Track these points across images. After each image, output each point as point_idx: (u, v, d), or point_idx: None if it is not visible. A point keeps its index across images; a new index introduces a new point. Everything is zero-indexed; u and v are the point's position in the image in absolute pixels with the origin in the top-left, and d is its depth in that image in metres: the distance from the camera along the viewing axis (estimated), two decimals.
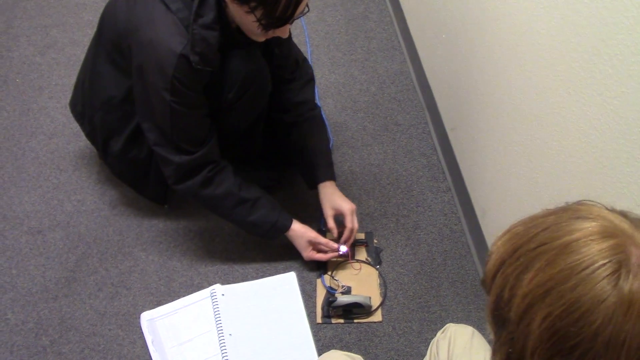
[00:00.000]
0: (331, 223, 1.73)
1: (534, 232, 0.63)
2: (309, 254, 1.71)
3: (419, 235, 1.87)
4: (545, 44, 1.28)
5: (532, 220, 0.64)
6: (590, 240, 0.59)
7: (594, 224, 0.61)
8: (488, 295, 0.67)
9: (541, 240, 0.61)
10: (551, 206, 1.31)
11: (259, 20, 1.34)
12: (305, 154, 1.77)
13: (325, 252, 1.73)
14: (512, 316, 0.61)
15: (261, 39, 1.46)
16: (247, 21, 1.37)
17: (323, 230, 1.83)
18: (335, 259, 1.76)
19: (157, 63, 1.40)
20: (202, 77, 1.45)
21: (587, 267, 0.58)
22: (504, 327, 0.63)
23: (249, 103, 1.59)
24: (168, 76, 1.39)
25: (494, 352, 0.66)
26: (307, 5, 1.37)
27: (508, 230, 0.66)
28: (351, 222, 1.71)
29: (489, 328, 0.68)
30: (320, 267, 1.77)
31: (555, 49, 1.24)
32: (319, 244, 1.71)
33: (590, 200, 0.65)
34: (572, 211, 0.63)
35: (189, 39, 1.37)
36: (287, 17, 1.35)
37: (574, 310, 0.56)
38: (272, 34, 1.42)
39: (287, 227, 1.68)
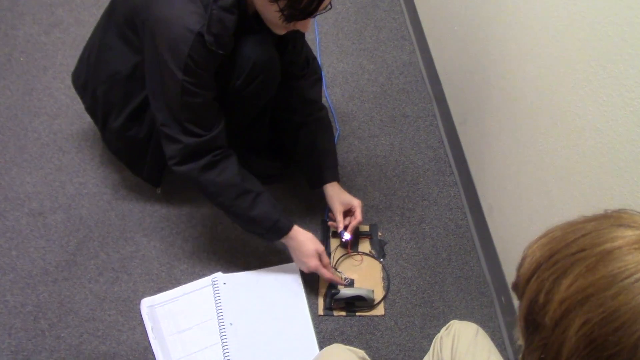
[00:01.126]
0: (340, 217, 1.72)
1: (573, 237, 0.61)
2: (317, 262, 1.61)
3: (424, 229, 1.85)
4: (562, 40, 1.26)
5: (571, 226, 0.63)
6: (634, 248, 0.57)
7: (637, 232, 0.59)
8: (520, 299, 0.65)
9: (581, 245, 0.60)
10: (563, 207, 1.29)
11: (281, 10, 1.32)
12: (312, 154, 1.75)
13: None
14: (547, 321, 0.59)
15: (282, 31, 1.43)
16: (270, 10, 1.34)
17: (326, 220, 1.81)
18: (339, 250, 1.75)
19: (172, 40, 1.38)
20: (214, 60, 1.43)
21: (630, 276, 0.56)
22: (536, 332, 0.61)
23: (257, 91, 1.57)
24: (183, 54, 1.37)
25: (524, 358, 0.64)
26: (330, 2, 1.35)
27: (545, 235, 0.65)
28: (360, 215, 1.72)
29: (518, 332, 0.66)
30: None
31: (573, 46, 1.21)
32: (323, 255, 1.63)
33: (632, 210, 0.63)
34: (614, 219, 0.61)
35: (206, 19, 1.35)
36: (311, 10, 1.32)
37: (614, 319, 0.54)
38: (292, 26, 1.39)
39: (289, 228, 1.60)
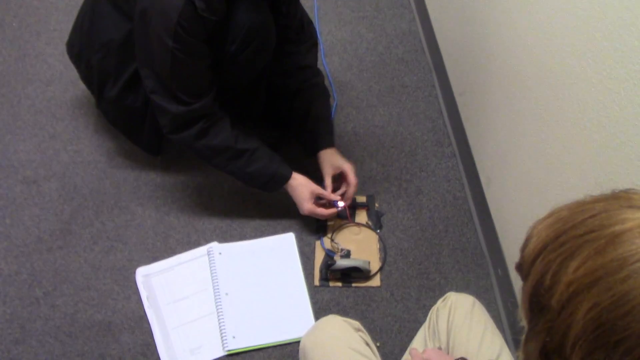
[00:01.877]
0: (328, 180, 1.71)
1: (581, 218, 0.59)
2: (310, 206, 1.65)
3: (421, 200, 1.84)
4: (566, 10, 1.23)
5: (579, 206, 0.60)
6: None
7: None
8: (524, 280, 0.63)
9: (589, 227, 0.57)
10: (562, 180, 1.28)
11: None
12: (307, 121, 1.73)
13: (325, 207, 1.69)
14: (553, 304, 0.57)
15: None
16: None
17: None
18: (335, 221, 1.74)
19: (162, 7, 1.35)
20: (206, 26, 1.40)
21: None
22: (541, 314, 0.60)
23: (252, 57, 1.54)
24: (172, 22, 1.35)
25: (527, 340, 0.62)
26: None
27: (550, 214, 0.62)
28: (353, 178, 1.69)
29: (521, 313, 0.64)
30: (320, 230, 1.74)
31: (577, 16, 1.19)
32: (321, 195, 1.68)
33: None
34: (624, 199, 0.59)
35: None
36: None
37: (623, 303, 0.53)
38: None
39: (287, 177, 1.64)
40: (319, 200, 1.69)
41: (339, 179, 1.73)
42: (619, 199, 0.59)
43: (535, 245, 0.61)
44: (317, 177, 1.77)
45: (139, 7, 1.42)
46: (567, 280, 0.56)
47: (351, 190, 1.70)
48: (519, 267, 0.65)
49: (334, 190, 1.72)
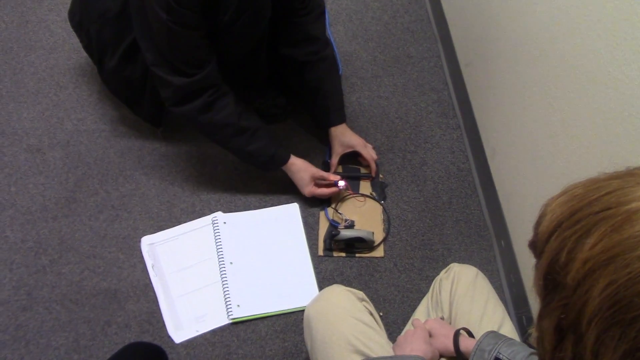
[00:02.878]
0: (335, 160, 1.75)
1: (596, 195, 0.58)
2: (310, 189, 1.69)
3: (426, 172, 1.84)
4: None
5: (593, 183, 0.60)
6: None
7: None
8: (538, 258, 0.63)
9: (605, 204, 0.57)
10: (568, 153, 1.27)
11: None
12: (318, 96, 1.73)
13: (326, 187, 1.71)
14: (568, 281, 0.57)
15: None
16: None
17: (327, 162, 1.80)
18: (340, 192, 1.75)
19: None
20: None
21: None
22: (556, 291, 0.59)
23: (246, 27, 1.53)
24: None
25: (541, 317, 0.62)
26: None
27: (564, 192, 0.62)
28: (368, 153, 1.75)
29: (535, 291, 0.64)
30: (324, 200, 1.75)
31: None
32: (321, 177, 1.69)
33: None
34: (639, 176, 0.58)
35: None
36: None
37: None
38: None
39: (285, 160, 1.66)
40: (320, 180, 1.71)
41: (353, 153, 1.77)
42: (635, 175, 0.58)
43: (550, 222, 0.61)
44: (323, 147, 1.77)
45: None
46: (583, 258, 0.56)
47: (372, 165, 1.76)
48: (533, 245, 0.64)
49: (354, 164, 1.76)
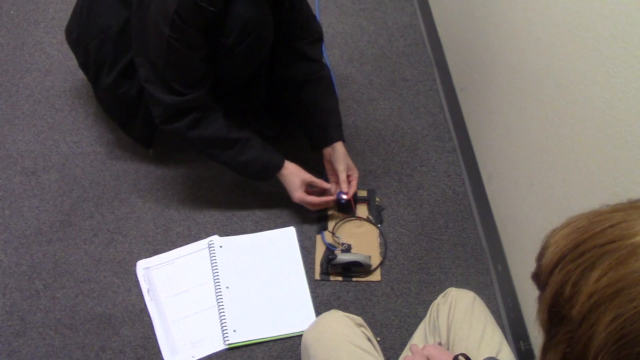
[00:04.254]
0: (344, 176, 1.70)
1: (600, 227, 0.58)
2: (300, 194, 1.65)
3: (422, 195, 1.84)
4: (571, 6, 1.22)
5: (597, 215, 0.60)
6: None
7: None
8: (542, 290, 0.63)
9: (609, 237, 0.57)
10: (565, 178, 1.28)
11: None
12: (316, 114, 1.72)
13: (318, 196, 1.70)
14: (574, 314, 0.57)
15: None
16: None
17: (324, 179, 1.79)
18: (336, 215, 1.74)
19: None
20: (204, 17, 1.39)
21: None
22: (561, 325, 0.59)
23: (249, 51, 1.53)
24: (170, 10, 1.34)
25: (545, 350, 0.62)
26: None
27: (567, 224, 0.62)
28: (355, 186, 1.71)
29: (538, 323, 0.64)
30: (321, 222, 1.74)
31: (582, 12, 1.18)
32: (312, 183, 1.68)
33: None
34: None
35: None
36: None
37: None
38: None
39: (279, 166, 1.64)
40: (311, 188, 1.69)
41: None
42: (638, 208, 0.59)
43: (554, 254, 0.61)
44: (319, 171, 1.77)
45: None
46: (588, 291, 0.56)
47: (352, 192, 1.71)
48: (536, 277, 0.64)
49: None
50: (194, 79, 1.49)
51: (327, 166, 1.74)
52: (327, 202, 1.71)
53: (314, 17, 1.75)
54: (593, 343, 0.55)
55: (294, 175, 1.66)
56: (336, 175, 1.71)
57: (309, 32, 1.71)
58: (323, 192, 1.72)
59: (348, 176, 1.71)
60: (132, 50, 1.53)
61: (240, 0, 1.45)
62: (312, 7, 2.21)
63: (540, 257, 0.64)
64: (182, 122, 1.52)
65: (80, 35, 1.69)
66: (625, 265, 0.54)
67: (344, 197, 1.69)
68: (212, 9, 1.37)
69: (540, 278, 0.63)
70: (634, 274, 0.54)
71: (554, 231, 0.63)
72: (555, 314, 0.60)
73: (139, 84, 1.60)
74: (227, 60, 1.54)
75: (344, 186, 1.69)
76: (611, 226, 0.58)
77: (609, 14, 1.10)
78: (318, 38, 1.75)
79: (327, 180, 1.75)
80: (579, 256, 0.58)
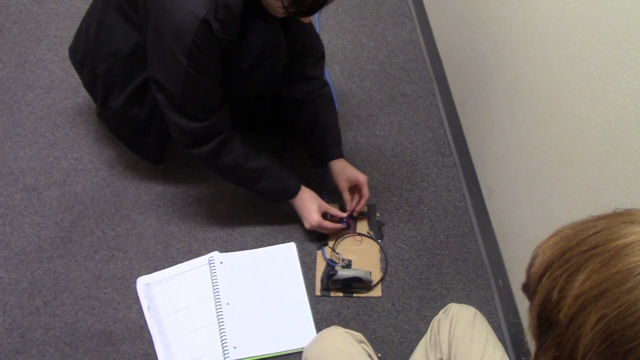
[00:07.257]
0: (347, 195, 1.73)
1: (585, 235, 0.61)
2: (318, 217, 1.65)
3: (422, 210, 1.84)
4: (569, 22, 1.23)
5: (582, 224, 0.63)
6: None
7: None
8: (531, 299, 0.65)
9: (593, 243, 0.60)
10: (564, 193, 1.28)
11: (285, 7, 1.31)
12: (315, 131, 1.73)
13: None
14: (561, 318, 0.59)
15: (280, 15, 1.41)
16: (274, 6, 1.35)
17: (325, 200, 1.80)
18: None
19: (176, 26, 1.35)
20: (220, 45, 1.40)
21: None
22: (550, 330, 0.61)
23: (263, 74, 1.55)
24: (187, 41, 1.34)
25: (536, 357, 0.64)
26: None
27: (555, 234, 0.64)
28: (366, 191, 1.72)
29: (529, 334, 0.66)
30: (321, 239, 1.74)
31: (581, 28, 1.19)
32: (328, 211, 1.70)
33: None
34: (625, 216, 0.61)
35: (213, 4, 1.31)
36: (316, 8, 1.32)
37: (631, 313, 0.54)
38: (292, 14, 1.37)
39: (295, 192, 1.66)
40: (323, 216, 1.70)
41: (349, 189, 1.75)
42: (621, 215, 0.62)
43: (541, 263, 0.63)
44: (318, 187, 1.77)
45: (151, 25, 1.41)
46: (574, 294, 0.58)
47: (363, 202, 1.73)
48: (526, 287, 0.67)
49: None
50: (212, 104, 1.50)
51: (334, 182, 1.76)
52: (341, 229, 1.73)
53: (317, 35, 1.77)
54: (580, 344, 0.57)
55: (312, 200, 1.67)
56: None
57: (312, 50, 1.72)
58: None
59: (355, 185, 1.72)
60: (148, 76, 1.52)
61: (255, 27, 1.46)
62: (312, 23, 2.23)
63: (529, 268, 0.66)
64: (202, 150, 1.53)
65: (87, 57, 1.67)
66: (608, 267, 0.57)
67: (344, 224, 1.73)
68: (228, 37, 1.38)
69: (529, 288, 0.65)
70: (617, 275, 0.56)
71: (542, 242, 0.65)
72: (544, 321, 0.62)
73: (151, 106, 1.60)
74: (242, 84, 1.55)
75: (348, 206, 1.73)
76: (595, 233, 0.60)
77: (606, 30, 1.11)
78: (320, 57, 1.77)
79: (343, 209, 1.77)
80: (565, 262, 0.61)
